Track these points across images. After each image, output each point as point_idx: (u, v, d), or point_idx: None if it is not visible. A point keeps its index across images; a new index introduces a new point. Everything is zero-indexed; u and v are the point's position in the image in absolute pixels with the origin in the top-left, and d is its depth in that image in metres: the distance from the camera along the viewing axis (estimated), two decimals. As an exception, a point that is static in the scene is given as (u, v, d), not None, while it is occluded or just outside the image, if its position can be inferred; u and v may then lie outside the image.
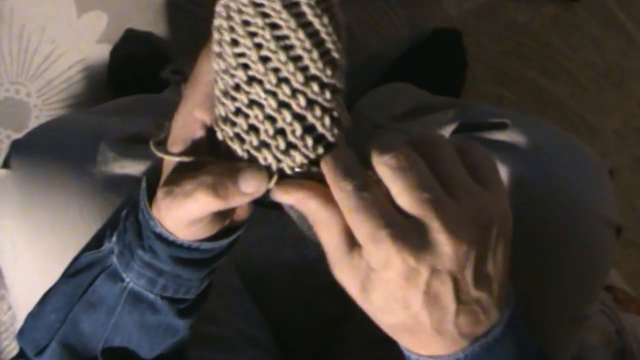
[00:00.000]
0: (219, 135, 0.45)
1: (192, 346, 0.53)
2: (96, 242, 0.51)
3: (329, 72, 0.44)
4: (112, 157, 0.64)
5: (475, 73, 1.16)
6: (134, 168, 0.64)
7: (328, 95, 0.44)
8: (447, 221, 0.40)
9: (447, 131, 0.71)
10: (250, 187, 0.43)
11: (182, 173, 0.44)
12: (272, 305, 0.75)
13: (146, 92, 0.95)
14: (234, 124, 0.44)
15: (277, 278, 0.74)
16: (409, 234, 0.40)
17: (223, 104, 0.45)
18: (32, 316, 0.52)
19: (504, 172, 0.64)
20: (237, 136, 0.44)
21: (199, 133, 0.46)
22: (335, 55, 0.45)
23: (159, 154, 0.46)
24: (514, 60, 1.18)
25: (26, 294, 0.59)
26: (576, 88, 1.19)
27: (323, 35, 0.44)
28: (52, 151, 0.64)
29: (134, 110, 0.75)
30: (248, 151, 0.44)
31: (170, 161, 0.46)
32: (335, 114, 0.45)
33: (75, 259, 0.52)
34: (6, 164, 0.64)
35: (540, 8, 1.18)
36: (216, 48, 0.45)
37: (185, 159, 0.46)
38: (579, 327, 0.66)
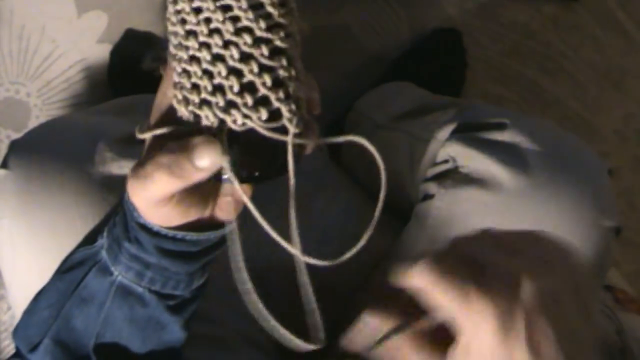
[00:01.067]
0: (174, 103, 0.45)
1: (190, 346, 0.53)
2: (90, 239, 0.51)
3: (262, 24, 0.43)
4: (111, 157, 0.64)
5: (475, 73, 1.16)
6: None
7: (265, 50, 0.43)
8: (524, 269, 0.39)
9: (446, 131, 0.71)
10: (205, 161, 0.42)
11: (152, 152, 0.45)
12: (271, 305, 0.75)
13: (146, 92, 0.95)
14: (181, 86, 0.44)
15: (277, 278, 0.74)
16: (492, 284, 0.38)
17: (173, 69, 0.45)
18: (27, 313, 0.53)
19: (503, 172, 0.64)
20: (184, 98, 0.44)
21: (171, 110, 0.46)
22: (270, 9, 0.43)
23: (138, 135, 0.46)
24: (514, 60, 1.18)
25: (24, 293, 0.59)
26: (576, 88, 1.19)
27: None
28: (50, 151, 0.64)
29: (134, 110, 0.75)
30: (193, 112, 0.44)
31: (146, 143, 0.46)
32: (280, 76, 0.43)
33: (69, 256, 0.52)
34: (5, 164, 0.64)
35: (540, 8, 1.18)
36: (167, 11, 0.45)
37: (149, 134, 0.45)
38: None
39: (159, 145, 0.45)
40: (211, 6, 0.42)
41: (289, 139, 0.44)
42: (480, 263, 0.40)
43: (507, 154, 0.65)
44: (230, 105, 0.43)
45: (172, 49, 0.45)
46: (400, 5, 1.14)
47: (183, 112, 0.44)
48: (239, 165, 0.44)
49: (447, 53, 1.14)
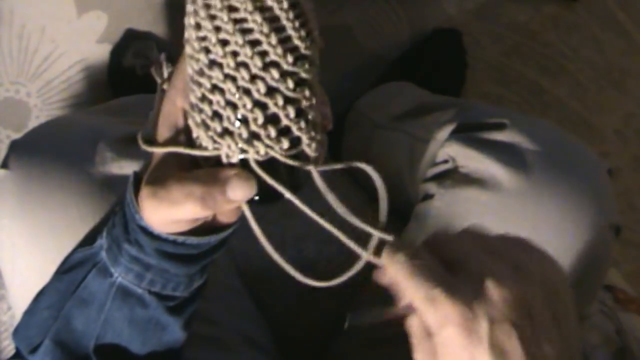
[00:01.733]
0: (190, 123, 0.45)
1: (190, 346, 0.53)
2: (90, 239, 0.51)
3: (290, 59, 0.43)
4: (111, 158, 0.64)
5: (475, 73, 1.16)
6: (132, 168, 0.64)
7: (291, 84, 0.43)
8: (494, 273, 0.40)
9: (446, 131, 0.71)
10: (239, 195, 0.43)
11: (166, 166, 0.45)
12: (271, 305, 0.75)
13: (146, 92, 0.95)
14: (200, 110, 0.44)
15: (277, 278, 0.74)
16: (460, 287, 0.40)
17: (191, 90, 0.45)
18: (27, 313, 0.53)
19: (503, 172, 0.64)
20: (203, 122, 0.44)
21: (181, 121, 0.46)
22: (298, 42, 0.44)
23: (143, 147, 0.47)
24: (514, 60, 1.18)
25: (25, 294, 0.59)
26: (576, 88, 1.19)
27: (284, 21, 0.43)
28: (50, 151, 0.64)
29: (134, 110, 0.75)
30: (212, 138, 0.44)
31: (157, 153, 0.46)
32: (302, 106, 0.44)
33: (69, 256, 0.52)
34: (5, 164, 0.64)
35: (540, 8, 1.18)
36: (186, 34, 0.45)
37: (158, 149, 0.45)
38: (579, 326, 0.66)
39: (175, 160, 0.45)
40: (239, 40, 0.42)
41: (312, 168, 0.45)
42: (454, 262, 0.42)
43: (506, 154, 0.65)
44: (253, 136, 0.43)
45: (191, 72, 0.45)
46: (400, 5, 1.14)
47: (202, 136, 0.44)
48: (262, 193, 0.44)
49: (447, 53, 1.14)
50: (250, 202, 0.45)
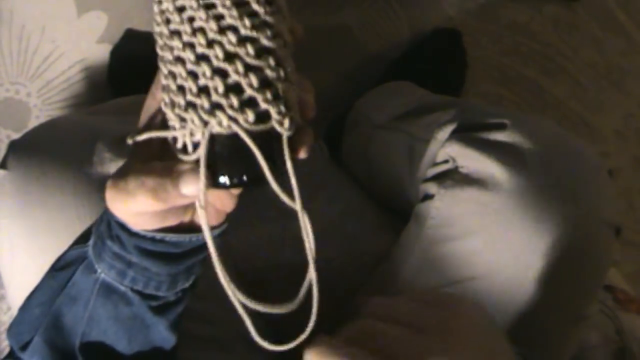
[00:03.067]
0: (162, 105, 0.44)
1: (188, 347, 0.53)
2: (85, 237, 0.51)
3: (247, 22, 0.41)
4: (109, 158, 0.64)
5: (475, 73, 1.16)
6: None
7: (251, 50, 0.41)
8: None
9: (446, 131, 0.71)
10: (190, 189, 0.42)
11: (134, 158, 0.45)
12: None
13: (146, 92, 0.95)
14: (168, 88, 0.43)
15: (277, 278, 0.74)
16: None
17: (160, 70, 0.44)
18: (20, 310, 0.52)
19: (502, 172, 0.64)
20: (171, 101, 0.43)
21: (160, 113, 0.46)
22: (257, 7, 0.42)
23: (128, 141, 0.46)
24: (514, 60, 1.18)
25: (23, 293, 0.59)
26: (576, 88, 1.19)
27: None
28: (49, 152, 0.64)
29: (134, 110, 0.75)
30: (179, 115, 0.42)
31: (130, 148, 0.46)
32: (268, 76, 0.42)
33: (63, 254, 0.52)
34: (4, 165, 0.64)
35: (540, 8, 1.18)
36: (153, 14, 0.44)
37: (137, 138, 0.44)
38: (579, 327, 0.66)
39: (143, 153, 0.45)
40: (194, 4, 0.41)
41: (284, 143, 0.42)
42: (384, 345, 0.41)
43: (506, 154, 0.65)
44: (215, 107, 0.41)
45: (158, 50, 0.44)
46: (400, 6, 1.14)
47: (170, 116, 0.43)
48: (222, 171, 0.42)
49: (447, 53, 1.14)
50: (231, 185, 0.43)
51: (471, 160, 0.66)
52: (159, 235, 0.46)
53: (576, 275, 0.63)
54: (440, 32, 1.14)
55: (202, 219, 0.43)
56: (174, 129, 0.43)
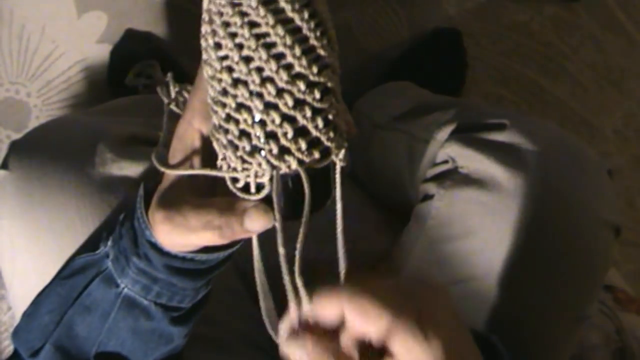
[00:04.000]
0: (215, 145, 0.44)
1: (190, 347, 0.53)
2: (92, 244, 0.51)
3: (315, 69, 0.42)
4: (111, 158, 0.64)
5: (475, 73, 1.16)
6: (132, 169, 0.64)
7: (317, 94, 0.42)
8: None
9: (446, 131, 0.71)
10: (257, 227, 0.43)
11: (181, 189, 0.45)
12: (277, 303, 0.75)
13: (148, 93, 0.95)
14: (226, 131, 0.43)
15: (277, 278, 0.74)
16: None
17: (215, 111, 0.44)
18: (27, 316, 0.53)
19: (502, 172, 0.64)
20: (231, 143, 0.43)
21: (197, 143, 0.46)
22: (322, 52, 0.43)
23: (161, 168, 0.46)
24: (514, 60, 1.18)
25: (24, 294, 0.59)
26: (576, 88, 1.19)
27: (305, 31, 0.42)
28: (50, 152, 0.64)
29: (134, 110, 0.75)
30: (242, 158, 0.43)
31: (169, 174, 0.46)
32: (330, 116, 0.43)
33: (70, 260, 0.52)
34: (5, 165, 0.64)
35: (540, 8, 1.18)
36: (204, 55, 0.44)
37: (183, 172, 0.45)
38: (579, 327, 0.66)
39: (191, 186, 0.45)
40: (263, 55, 0.41)
41: (338, 172, 0.44)
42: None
43: (506, 155, 0.65)
44: (283, 151, 0.42)
45: (213, 94, 0.44)
46: (400, 5, 1.14)
47: (231, 157, 0.43)
48: (289, 207, 0.44)
49: (447, 53, 1.14)
50: (297, 218, 0.44)
51: (471, 161, 0.66)
52: (189, 255, 0.46)
53: (576, 275, 0.63)
54: (440, 32, 1.14)
55: (282, 258, 0.44)
56: (230, 168, 0.44)
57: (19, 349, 0.52)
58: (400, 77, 1.05)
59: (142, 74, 0.98)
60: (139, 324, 0.49)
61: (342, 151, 0.44)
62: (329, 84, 0.43)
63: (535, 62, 1.18)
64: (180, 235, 0.43)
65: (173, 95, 0.53)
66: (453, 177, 0.67)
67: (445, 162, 0.70)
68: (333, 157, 0.44)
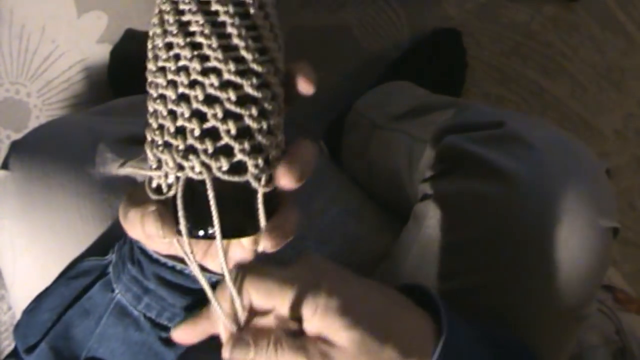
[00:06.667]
0: (145, 144, 0.43)
1: (190, 347, 0.53)
2: (103, 248, 0.51)
3: (232, 67, 0.40)
4: (111, 158, 0.64)
5: (475, 73, 1.16)
6: (132, 169, 0.64)
7: (232, 95, 0.40)
8: None
9: (445, 131, 0.71)
10: (151, 232, 0.41)
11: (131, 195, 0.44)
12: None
13: (146, 92, 0.95)
14: (149, 125, 0.42)
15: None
16: None
17: (147, 106, 0.43)
18: (28, 313, 0.53)
19: (501, 172, 0.64)
20: (152, 139, 0.42)
21: None
22: (245, 54, 0.41)
23: (118, 169, 0.45)
24: (514, 60, 1.18)
25: (25, 294, 0.59)
26: (576, 88, 1.19)
27: (229, 28, 0.41)
28: (51, 152, 0.64)
29: (134, 110, 0.75)
30: (156, 155, 0.41)
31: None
32: (247, 125, 0.40)
33: (78, 262, 0.52)
34: (5, 165, 0.64)
35: (540, 8, 1.18)
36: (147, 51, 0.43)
37: (125, 171, 0.45)
38: (578, 327, 0.66)
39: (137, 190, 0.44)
40: (181, 42, 0.40)
41: (260, 200, 0.40)
42: None
43: (505, 154, 0.65)
44: (190, 150, 0.39)
45: (147, 87, 0.43)
46: (400, 5, 1.14)
47: (149, 154, 0.42)
48: (195, 221, 0.40)
49: (447, 53, 1.14)
50: (198, 237, 0.41)
51: (470, 160, 0.66)
52: (179, 266, 0.46)
53: (574, 275, 0.63)
54: (440, 32, 1.14)
55: (196, 271, 0.42)
56: (151, 168, 0.42)
57: (17, 343, 0.52)
58: (400, 77, 1.05)
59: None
60: (128, 334, 0.48)
61: (264, 176, 0.40)
62: (251, 91, 0.40)
63: (535, 62, 1.18)
64: (127, 228, 0.43)
65: None
66: (452, 176, 0.67)
67: (445, 161, 0.70)
68: (250, 179, 0.40)
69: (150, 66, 0.42)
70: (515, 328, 0.63)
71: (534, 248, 0.62)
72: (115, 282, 0.48)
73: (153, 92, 0.41)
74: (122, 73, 1.09)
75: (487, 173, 0.65)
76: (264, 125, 0.40)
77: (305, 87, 0.43)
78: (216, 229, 0.39)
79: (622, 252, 1.19)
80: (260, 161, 0.40)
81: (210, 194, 0.39)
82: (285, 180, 0.41)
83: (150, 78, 0.42)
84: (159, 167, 0.41)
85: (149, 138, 0.42)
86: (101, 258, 0.50)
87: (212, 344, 0.65)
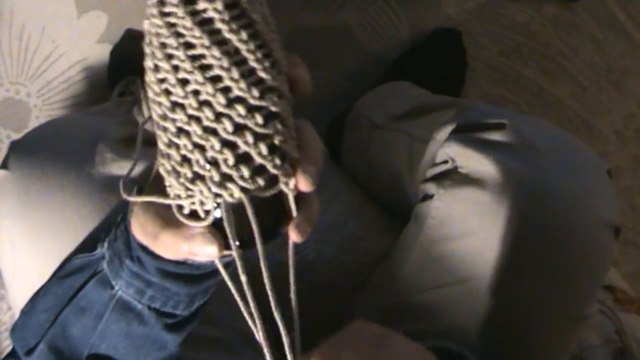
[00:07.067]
0: (161, 171, 0.43)
1: (190, 347, 0.53)
2: (90, 244, 0.51)
3: (255, 92, 0.40)
4: (111, 158, 0.64)
5: (475, 73, 1.16)
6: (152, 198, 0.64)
7: (259, 119, 0.40)
8: None
9: (445, 132, 0.71)
10: (203, 254, 0.42)
11: (153, 209, 0.44)
12: (263, 305, 0.75)
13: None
14: (169, 156, 0.42)
15: (277, 278, 0.74)
16: None
17: (158, 136, 0.42)
18: (24, 314, 0.53)
19: (502, 172, 0.64)
20: (173, 169, 0.41)
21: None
22: (263, 75, 0.41)
23: (125, 197, 0.45)
24: (514, 60, 1.18)
25: (24, 294, 0.59)
26: (576, 88, 1.19)
27: (245, 53, 0.40)
28: (50, 152, 0.64)
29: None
30: (184, 185, 0.41)
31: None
32: (275, 142, 0.41)
33: (67, 260, 0.52)
34: (5, 165, 0.64)
35: (540, 8, 1.18)
36: (145, 77, 0.43)
37: (135, 199, 0.44)
38: (579, 327, 0.66)
39: (156, 207, 0.44)
40: (199, 78, 0.40)
41: (291, 201, 0.42)
42: None
43: (506, 154, 0.65)
44: (225, 178, 0.40)
45: (155, 117, 0.42)
46: (400, 6, 1.14)
47: (174, 184, 0.42)
48: (237, 236, 0.42)
49: (447, 53, 1.14)
50: (245, 247, 0.42)
51: (470, 161, 0.66)
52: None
53: (575, 276, 0.63)
54: (440, 32, 1.14)
55: (245, 286, 0.44)
56: (178, 196, 0.42)
57: (15, 346, 0.52)
58: (400, 77, 1.05)
59: (125, 91, 0.98)
60: (131, 329, 0.48)
61: (292, 180, 0.42)
62: (273, 108, 0.41)
63: (535, 62, 1.18)
64: (150, 244, 0.44)
65: (147, 114, 0.52)
66: (453, 177, 0.67)
67: (445, 162, 0.70)
68: (282, 186, 0.41)
69: (161, 100, 0.41)
70: (517, 328, 0.63)
71: (535, 249, 0.62)
72: (113, 279, 0.48)
73: (170, 126, 0.41)
74: (122, 73, 1.09)
75: (489, 174, 0.65)
76: (287, 133, 0.42)
77: (302, 88, 0.44)
78: (257, 242, 0.41)
79: (622, 252, 1.19)
80: (287, 167, 0.41)
81: (250, 211, 0.40)
82: (307, 186, 0.43)
83: (162, 111, 0.41)
84: (189, 196, 0.41)
85: (168, 167, 0.42)
86: (90, 254, 0.50)
87: (217, 344, 0.65)
